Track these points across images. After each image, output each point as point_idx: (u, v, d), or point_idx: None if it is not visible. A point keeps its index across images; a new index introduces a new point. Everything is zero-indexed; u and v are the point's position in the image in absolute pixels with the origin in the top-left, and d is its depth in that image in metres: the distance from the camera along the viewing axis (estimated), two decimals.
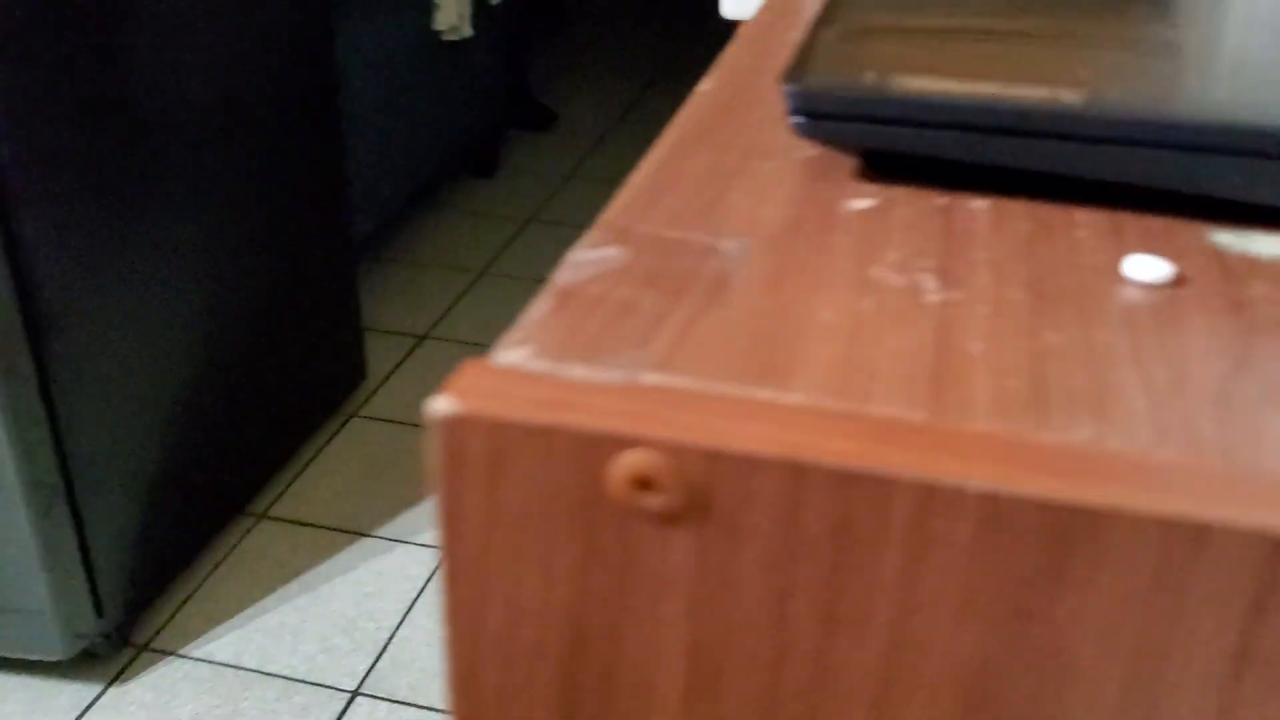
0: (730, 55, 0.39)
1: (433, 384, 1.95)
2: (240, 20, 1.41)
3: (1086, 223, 0.28)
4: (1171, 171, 0.28)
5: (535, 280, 2.31)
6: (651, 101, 3.19)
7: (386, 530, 1.65)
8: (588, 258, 0.26)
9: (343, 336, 1.82)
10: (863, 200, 0.29)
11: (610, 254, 0.26)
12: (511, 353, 0.22)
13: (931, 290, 0.25)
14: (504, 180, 2.71)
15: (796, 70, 0.30)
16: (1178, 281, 0.26)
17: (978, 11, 0.34)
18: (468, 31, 2.30)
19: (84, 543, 1.30)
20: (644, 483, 0.20)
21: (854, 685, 0.21)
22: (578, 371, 0.22)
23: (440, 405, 0.21)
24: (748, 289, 0.25)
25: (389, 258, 2.37)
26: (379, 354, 2.03)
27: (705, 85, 0.37)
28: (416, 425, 1.86)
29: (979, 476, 0.19)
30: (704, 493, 0.20)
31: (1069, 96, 0.28)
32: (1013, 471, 0.19)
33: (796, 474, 0.20)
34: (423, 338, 2.10)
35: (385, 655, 1.45)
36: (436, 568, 1.57)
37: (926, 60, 0.30)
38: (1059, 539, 0.19)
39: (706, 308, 0.24)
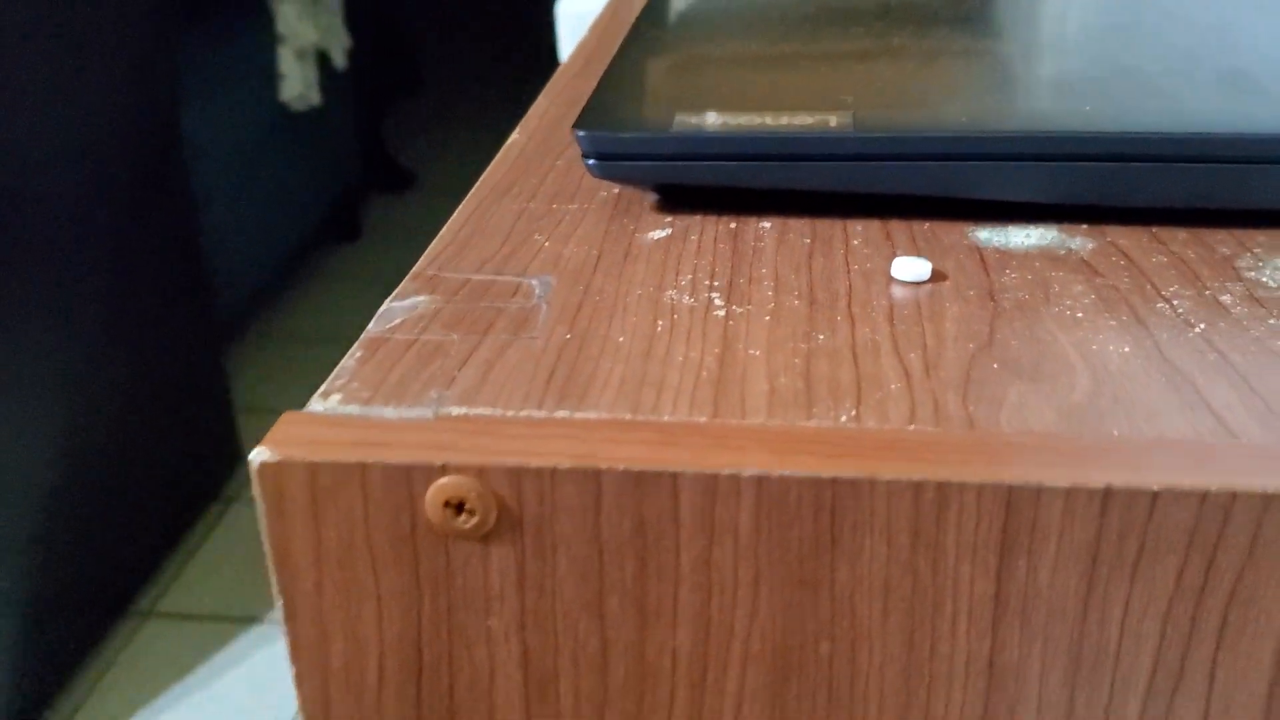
0: (538, 107, 0.41)
1: None
2: (79, 104, 1.39)
3: (860, 233, 0.31)
4: (930, 180, 0.31)
5: None
6: None
7: (277, 615, 1.62)
8: (398, 306, 0.28)
9: (214, 420, 1.79)
10: (659, 231, 0.32)
11: (420, 301, 0.28)
12: (323, 402, 0.24)
13: (719, 306, 0.27)
14: (369, 243, 2.70)
15: (587, 116, 0.32)
16: (937, 278, 0.28)
17: (756, 39, 0.37)
18: (315, 99, 2.29)
19: None
20: (457, 506, 0.22)
21: (673, 671, 0.23)
22: (387, 412, 0.23)
23: (258, 455, 0.22)
24: (549, 322, 0.27)
25: (259, 333, 2.33)
26: (253, 435, 2.00)
27: (514, 137, 0.39)
28: None
29: (752, 464, 0.21)
30: (513, 509, 0.22)
31: (835, 120, 0.31)
32: (781, 457, 0.21)
33: (593, 481, 0.22)
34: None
35: None
36: None
37: (706, 96, 0.33)
38: (827, 511, 0.21)
39: (510, 343, 0.26)
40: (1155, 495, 0.21)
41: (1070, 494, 0.21)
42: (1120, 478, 0.21)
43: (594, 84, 0.44)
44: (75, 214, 1.39)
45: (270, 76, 2.18)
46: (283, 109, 2.23)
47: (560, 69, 0.46)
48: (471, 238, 0.31)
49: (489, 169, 0.36)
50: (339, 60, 2.40)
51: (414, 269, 0.30)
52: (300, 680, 0.24)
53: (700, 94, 0.33)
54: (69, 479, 1.41)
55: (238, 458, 1.87)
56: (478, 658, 0.24)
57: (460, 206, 0.34)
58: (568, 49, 1.06)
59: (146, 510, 1.60)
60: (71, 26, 1.35)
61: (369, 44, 2.73)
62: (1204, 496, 0.20)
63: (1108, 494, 0.21)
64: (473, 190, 0.35)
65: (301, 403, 2.09)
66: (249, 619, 1.61)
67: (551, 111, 0.41)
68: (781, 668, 0.23)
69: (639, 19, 0.42)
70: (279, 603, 0.24)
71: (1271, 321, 0.26)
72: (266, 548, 0.23)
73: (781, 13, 0.42)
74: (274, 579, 0.23)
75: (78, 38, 1.37)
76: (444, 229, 0.32)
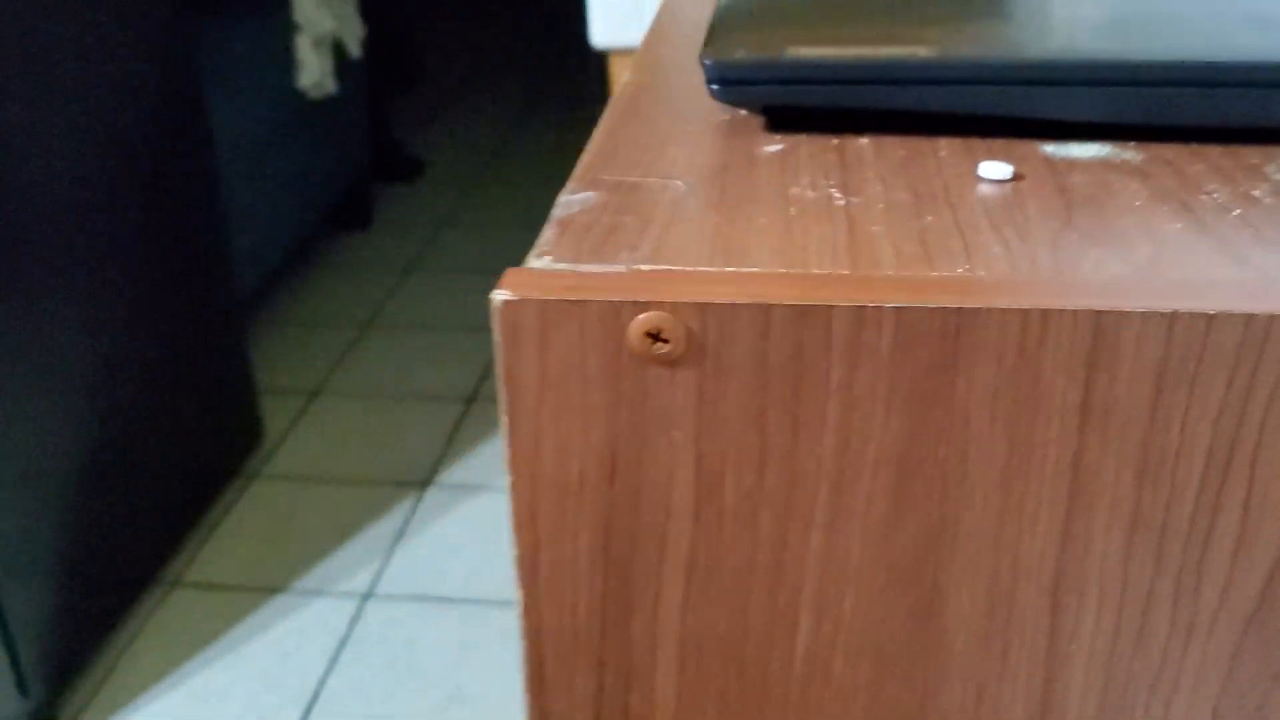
0: (647, 50, 0.47)
1: (330, 440, 1.98)
2: (105, 92, 1.44)
3: (946, 147, 0.37)
4: (1003, 101, 0.36)
5: (421, 328, 2.35)
6: (519, 142, 3.28)
7: (301, 585, 1.67)
8: (572, 199, 0.34)
9: (237, 399, 1.84)
10: (773, 146, 0.37)
11: (588, 195, 0.34)
12: (538, 261, 0.30)
13: (838, 198, 0.33)
14: (379, 232, 2.75)
15: (709, 47, 0.38)
16: (1017, 178, 0.34)
17: None
18: (331, 87, 2.35)
19: (4, 624, 1.30)
20: (655, 335, 0.28)
21: (818, 473, 0.29)
22: (591, 267, 0.29)
23: (498, 295, 0.28)
24: (699, 210, 0.33)
25: (272, 318, 2.38)
26: (273, 414, 2.05)
27: (626, 78, 0.45)
28: (319, 482, 1.88)
29: (892, 300, 0.27)
30: (699, 338, 0.28)
31: (924, 51, 0.37)
32: (914, 295, 0.27)
33: (763, 314, 0.28)
34: (315, 394, 2.13)
35: (315, 708, 1.47)
36: (357, 616, 1.60)
37: (810, 33, 0.39)
38: (950, 336, 0.27)
39: (671, 223, 0.32)
40: (1211, 318, 0.26)
41: (1144, 317, 0.27)
42: (1183, 304, 0.26)
43: (698, 36, 0.50)
44: (103, 201, 1.44)
45: (286, 65, 2.24)
46: (298, 97, 2.28)
47: (651, 26, 0.52)
48: (616, 150, 0.37)
49: (615, 97, 0.42)
50: (354, 49, 2.45)
51: (575, 173, 0.36)
52: (515, 487, 0.30)
53: (804, 31, 0.39)
54: (99, 456, 1.47)
55: (259, 436, 1.93)
56: (661, 462, 0.29)
57: (598, 127, 0.39)
58: (600, 28, 1.12)
59: (173, 484, 1.66)
60: (95, 16, 1.40)
61: (376, 34, 2.78)
62: (1249, 320, 0.26)
63: (1174, 317, 0.27)
64: (605, 115, 0.40)
65: (315, 384, 2.14)
66: (271, 589, 1.66)
67: (658, 56, 0.47)
68: (906, 469, 0.29)
69: None
70: (503, 420, 0.29)
71: None
72: (499, 374, 0.29)
73: None
74: (502, 401, 0.29)
75: (102, 27, 1.42)
76: (590, 144, 0.38)
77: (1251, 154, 0.36)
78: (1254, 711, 0.31)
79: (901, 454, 0.29)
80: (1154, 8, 0.40)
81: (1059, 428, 0.28)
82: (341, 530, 1.79)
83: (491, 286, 2.46)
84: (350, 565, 1.72)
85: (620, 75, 1.17)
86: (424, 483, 1.90)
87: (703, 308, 0.28)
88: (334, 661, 1.53)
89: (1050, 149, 0.37)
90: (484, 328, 2.33)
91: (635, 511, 0.30)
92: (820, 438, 0.29)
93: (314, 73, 2.28)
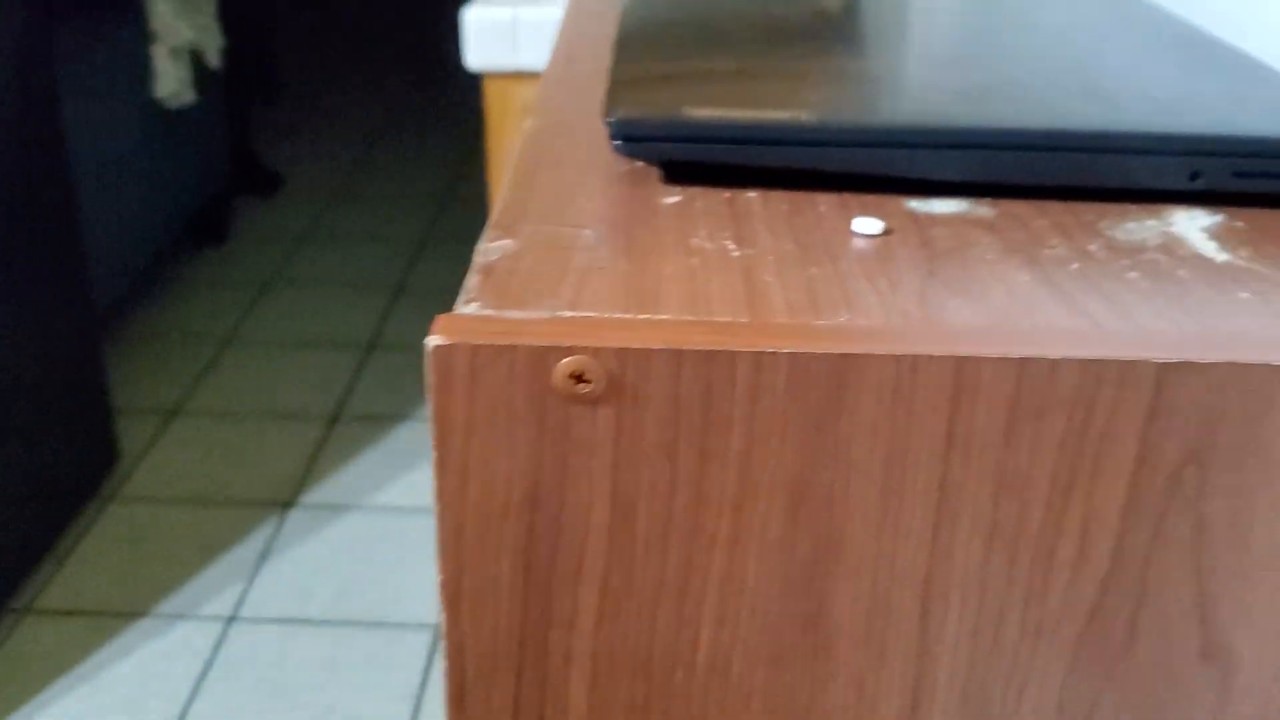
0: (545, 98, 0.50)
1: (190, 460, 1.94)
2: None
3: (824, 201, 0.41)
4: (877, 162, 0.41)
5: (282, 345, 2.32)
6: (379, 157, 3.25)
7: (163, 609, 1.63)
8: (492, 246, 0.37)
9: (92, 418, 1.79)
10: (671, 197, 0.41)
11: (507, 243, 0.37)
12: (467, 307, 0.32)
13: (733, 249, 0.37)
14: (236, 247, 2.70)
15: (612, 106, 0.41)
16: (887, 232, 0.39)
17: (724, 57, 0.47)
18: (189, 98, 2.30)
19: None
20: (578, 377, 0.31)
21: (720, 498, 0.33)
22: (516, 314, 0.32)
23: (433, 340, 0.31)
24: (611, 258, 0.36)
25: (128, 335, 2.32)
26: (130, 434, 2.00)
27: (530, 122, 0.48)
28: (178, 503, 1.84)
29: (786, 346, 0.31)
30: (618, 379, 0.31)
31: (805, 115, 0.41)
32: (804, 341, 0.31)
33: (676, 358, 0.31)
34: (174, 414, 2.08)
35: None
36: (222, 639, 1.58)
37: (702, 93, 0.42)
38: (835, 378, 0.31)
39: (587, 271, 0.35)
40: (1054, 363, 0.31)
41: (998, 363, 0.31)
42: (1030, 351, 0.31)
43: (592, 82, 0.53)
44: None
45: (143, 75, 2.18)
46: (155, 108, 2.23)
47: (547, 69, 0.55)
48: (527, 199, 0.40)
49: (521, 147, 0.45)
50: (214, 60, 2.41)
51: (491, 221, 0.38)
52: (442, 515, 0.33)
53: (698, 92, 0.43)
54: None
55: (116, 456, 1.88)
56: (580, 492, 0.32)
57: (507, 176, 0.42)
58: (476, 52, 1.15)
59: (23, 506, 1.60)
60: None
61: (237, 45, 2.74)
62: (1084, 365, 0.31)
63: (1022, 363, 0.31)
64: (514, 164, 0.43)
65: (174, 403, 2.09)
66: (132, 614, 1.62)
67: (558, 101, 0.50)
68: (798, 493, 0.33)
69: (621, 27, 0.51)
70: (434, 455, 0.32)
71: (1124, 261, 0.37)
72: (430, 414, 0.31)
73: (730, 17, 0.51)
74: (433, 438, 0.32)
75: None
76: (502, 191, 0.41)
77: (1087, 210, 0.41)
78: (1090, 705, 0.36)
79: (794, 480, 0.33)
80: (1004, 77, 0.45)
81: (927, 454, 0.32)
82: (203, 552, 1.75)
83: (352, 301, 2.44)
84: (213, 588, 1.69)
85: (495, 97, 1.20)
86: (287, 503, 1.87)
87: (622, 352, 0.31)
88: (199, 685, 1.50)
89: (914, 204, 0.41)
90: (346, 345, 2.32)
91: (555, 536, 0.33)
92: (724, 467, 0.32)
93: (171, 83, 2.23)
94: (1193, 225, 0.40)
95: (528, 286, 0.34)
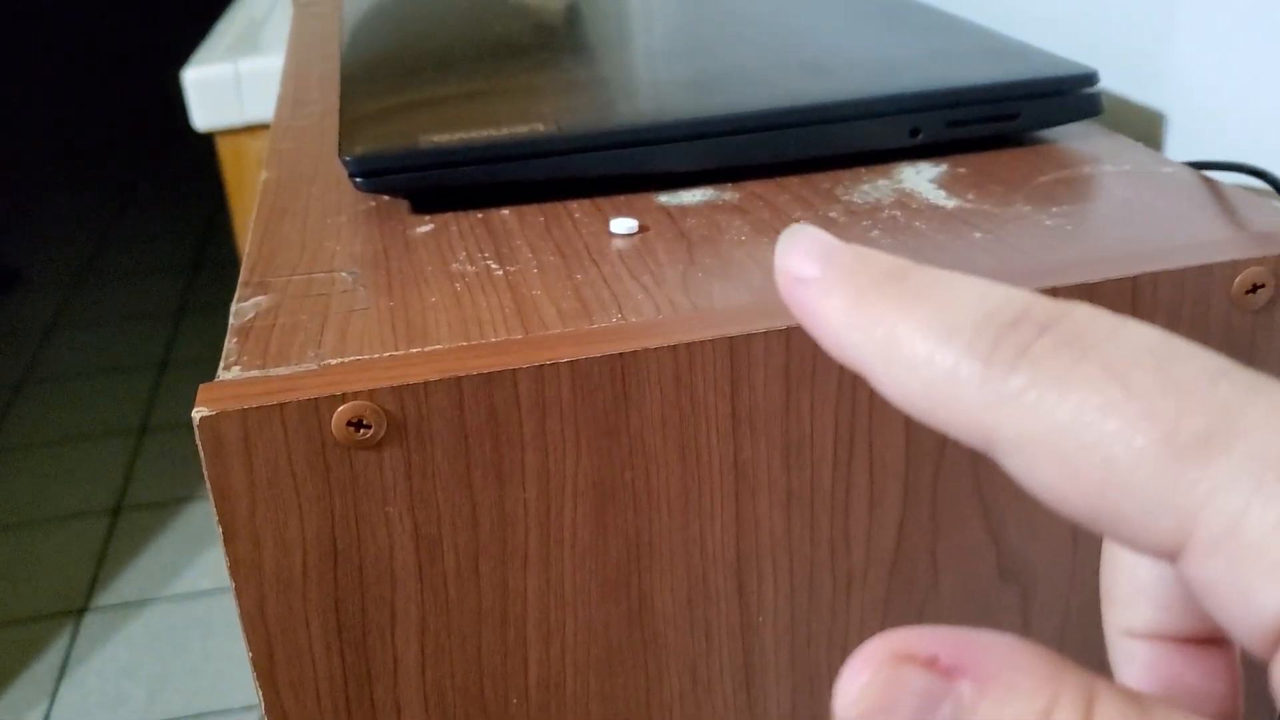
0: (276, 148, 0.49)
1: None
2: None
3: (578, 208, 0.41)
4: (615, 162, 0.41)
5: (44, 445, 2.17)
6: (119, 233, 3.08)
7: None
8: (244, 305, 0.35)
9: None
10: (424, 226, 0.40)
11: (259, 299, 0.35)
12: (228, 373, 0.31)
13: (496, 268, 0.37)
14: None
15: (347, 146, 0.40)
16: (643, 229, 0.39)
17: (453, 81, 0.47)
18: None
19: None
20: (356, 424, 0.30)
21: (525, 517, 0.32)
22: (282, 370, 0.31)
23: (199, 412, 0.29)
24: (371, 296, 0.35)
25: None
26: None
27: (265, 174, 0.46)
28: None
29: (565, 355, 0.31)
30: (398, 418, 0.30)
31: (543, 127, 0.41)
32: (582, 348, 0.31)
33: (455, 386, 0.31)
34: None
35: None
36: None
37: (436, 119, 0.42)
38: (618, 378, 0.31)
39: (348, 313, 0.34)
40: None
41: (767, 335, 0.32)
42: (795, 320, 0.32)
43: (322, 124, 0.52)
44: None
45: None
46: None
47: (275, 118, 0.53)
48: (275, 250, 0.39)
49: (259, 200, 0.43)
50: None
51: (241, 278, 0.37)
52: (239, 591, 0.31)
53: (432, 118, 0.42)
54: None
55: None
56: (379, 538, 0.32)
57: (250, 230, 0.41)
58: (201, 111, 1.10)
59: None
60: None
61: None
62: None
63: (789, 331, 0.32)
64: (255, 216, 0.42)
65: None
66: None
67: (290, 149, 0.48)
68: (601, 496, 0.33)
69: (344, 64, 0.50)
70: (219, 529, 0.30)
71: (865, 223, 0.39)
72: (208, 485, 0.30)
73: (453, 40, 0.51)
74: (215, 510, 0.30)
75: None
76: (247, 248, 0.39)
77: (823, 180, 0.43)
78: None
79: (596, 484, 0.33)
80: (727, 65, 0.47)
81: (718, 435, 0.33)
82: None
83: (114, 386, 2.30)
84: (12, 713, 1.56)
85: (230, 154, 1.16)
86: (80, 610, 1.75)
87: (398, 390, 0.30)
88: None
89: (664, 198, 0.42)
90: (116, 432, 2.18)
91: (361, 589, 0.32)
92: (523, 484, 0.32)
93: None
94: (921, 179, 0.42)
95: (289, 340, 0.33)
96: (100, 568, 1.83)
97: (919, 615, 0.37)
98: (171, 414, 2.24)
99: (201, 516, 1.93)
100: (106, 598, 1.77)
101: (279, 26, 1.22)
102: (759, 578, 0.36)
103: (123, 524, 1.93)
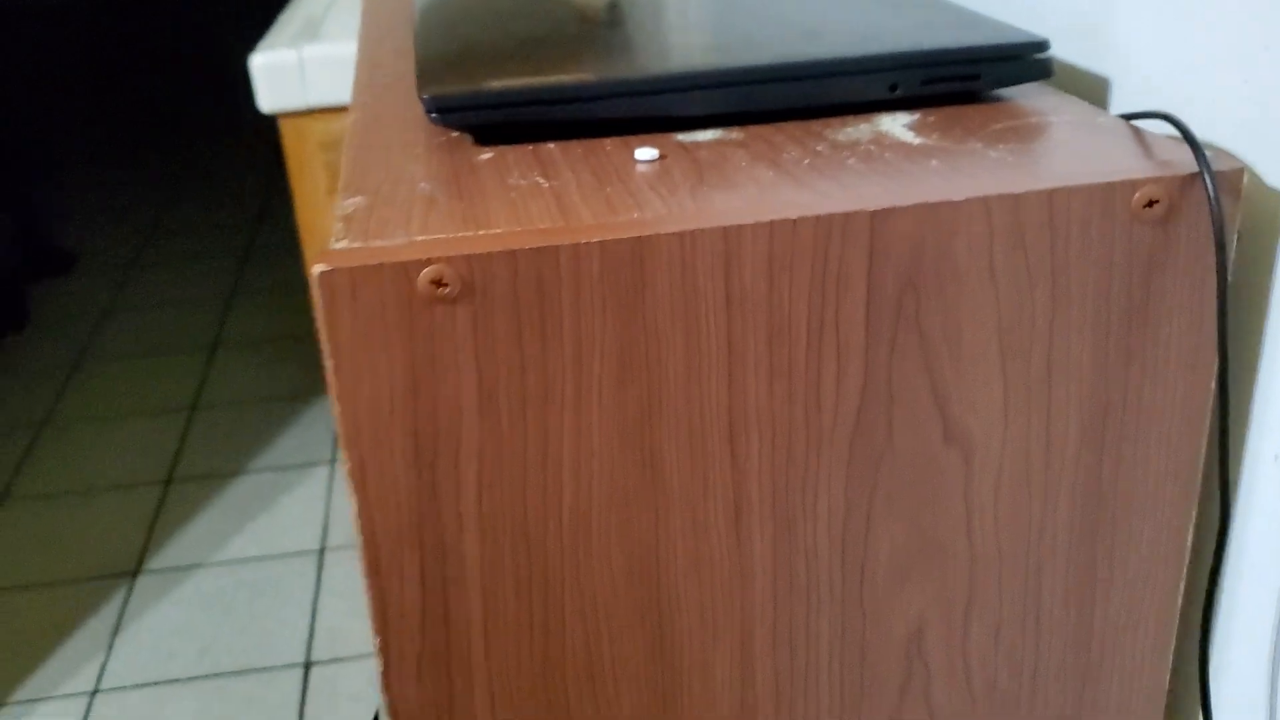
0: (361, 87, 0.58)
1: (23, 547, 1.90)
2: None
3: (610, 144, 0.51)
4: (646, 107, 0.51)
5: (100, 420, 2.29)
6: (174, 219, 3.21)
7: (20, 695, 1.60)
8: (347, 203, 0.44)
9: None
10: (485, 154, 0.50)
11: (358, 199, 0.45)
12: (339, 244, 0.40)
13: (543, 183, 0.46)
14: (38, 330, 2.63)
15: (425, 85, 0.50)
16: (662, 157, 0.48)
17: (513, 37, 0.56)
18: None
19: None
20: (438, 282, 0.39)
21: (562, 371, 0.41)
22: (380, 243, 0.40)
23: (319, 268, 0.38)
24: (445, 201, 0.44)
25: None
26: None
27: (350, 117, 0.56)
28: (17, 590, 1.80)
29: (596, 236, 0.40)
30: (469, 281, 0.40)
31: (587, 76, 0.50)
32: (609, 232, 0.40)
33: (512, 258, 0.40)
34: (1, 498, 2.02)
35: None
36: (87, 713, 1.56)
37: (498, 69, 0.51)
38: (637, 260, 0.40)
39: (428, 212, 0.43)
40: (794, 222, 0.41)
41: (754, 227, 0.41)
42: (776, 215, 0.41)
43: (395, 82, 0.61)
44: None
45: None
46: None
47: (355, 76, 0.63)
48: (365, 172, 0.48)
49: (347, 135, 0.53)
50: None
51: (340, 188, 0.46)
52: (342, 415, 0.40)
53: (494, 68, 0.52)
54: None
55: None
56: (450, 378, 0.41)
57: (344, 150, 0.50)
58: (267, 95, 1.20)
59: None
60: None
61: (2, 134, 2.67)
62: (817, 220, 0.41)
63: (772, 225, 0.41)
64: (346, 147, 0.51)
65: None
66: None
67: (370, 98, 0.58)
68: (621, 359, 0.42)
69: (419, 24, 0.60)
70: (328, 363, 0.40)
71: (844, 154, 0.48)
72: (321, 328, 0.39)
73: (517, 7, 0.60)
74: (326, 350, 0.39)
75: None
76: (343, 169, 0.48)
77: (815, 125, 0.52)
78: (869, 494, 0.46)
79: (617, 349, 0.42)
80: (741, 29, 0.56)
81: (714, 314, 0.42)
82: (53, 634, 1.72)
83: (167, 366, 2.42)
84: (69, 666, 1.66)
85: (292, 136, 1.26)
86: (133, 572, 1.86)
87: (470, 258, 0.39)
88: None
89: (682, 137, 0.51)
90: (168, 410, 2.30)
91: (434, 419, 0.41)
92: (561, 345, 0.41)
93: None
94: (895, 124, 0.51)
95: (384, 224, 0.42)
96: (152, 534, 1.94)
97: (875, 471, 0.46)
98: (220, 393, 2.35)
99: (248, 489, 2.03)
100: (158, 561, 1.87)
101: (338, 18, 1.33)
102: (747, 438, 0.44)
103: (173, 494, 2.04)
